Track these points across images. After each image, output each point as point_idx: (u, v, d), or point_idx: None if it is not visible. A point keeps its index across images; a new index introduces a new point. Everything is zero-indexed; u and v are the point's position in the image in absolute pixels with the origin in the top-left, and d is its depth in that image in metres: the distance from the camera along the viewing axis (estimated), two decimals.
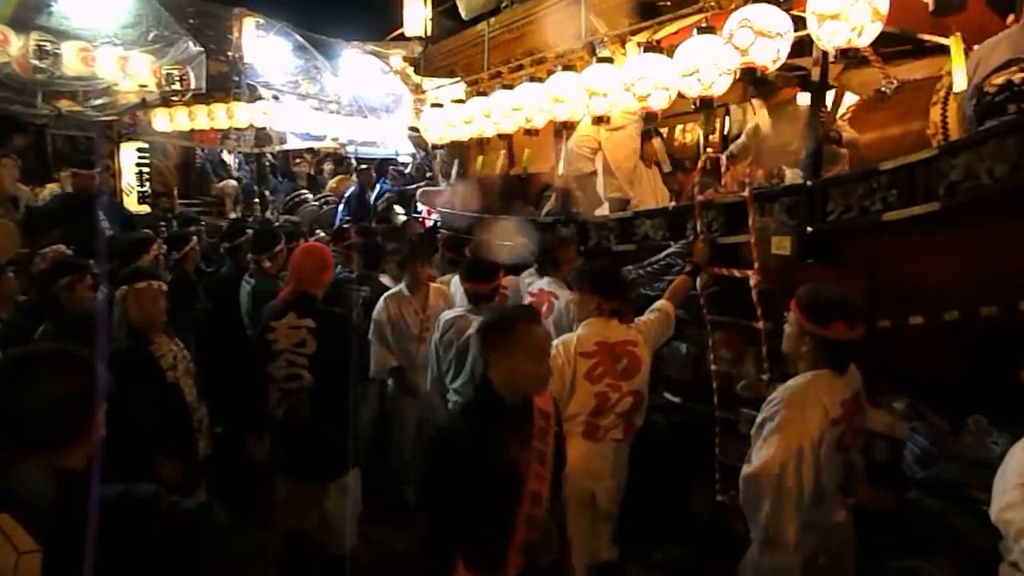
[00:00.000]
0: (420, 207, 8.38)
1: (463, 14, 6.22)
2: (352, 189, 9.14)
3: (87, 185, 6.06)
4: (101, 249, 5.06)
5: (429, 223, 8.11)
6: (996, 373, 2.76)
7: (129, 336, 3.22)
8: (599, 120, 4.13)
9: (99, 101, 6.78)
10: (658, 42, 3.82)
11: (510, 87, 4.92)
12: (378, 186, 9.19)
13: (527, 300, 4.17)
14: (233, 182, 9.81)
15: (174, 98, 7.85)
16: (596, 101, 4.03)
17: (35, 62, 5.66)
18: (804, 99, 3.83)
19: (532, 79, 4.71)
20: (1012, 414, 2.79)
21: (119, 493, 1.59)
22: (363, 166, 10.07)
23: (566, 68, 4.41)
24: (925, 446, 3.12)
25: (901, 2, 2.84)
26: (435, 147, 7.27)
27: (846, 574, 2.55)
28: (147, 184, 7.54)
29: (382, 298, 4.38)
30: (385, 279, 4.95)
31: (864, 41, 2.81)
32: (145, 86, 7.01)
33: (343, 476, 3.35)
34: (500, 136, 5.21)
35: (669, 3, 4.10)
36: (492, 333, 2.14)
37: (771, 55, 3.04)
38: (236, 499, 4.16)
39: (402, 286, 4.42)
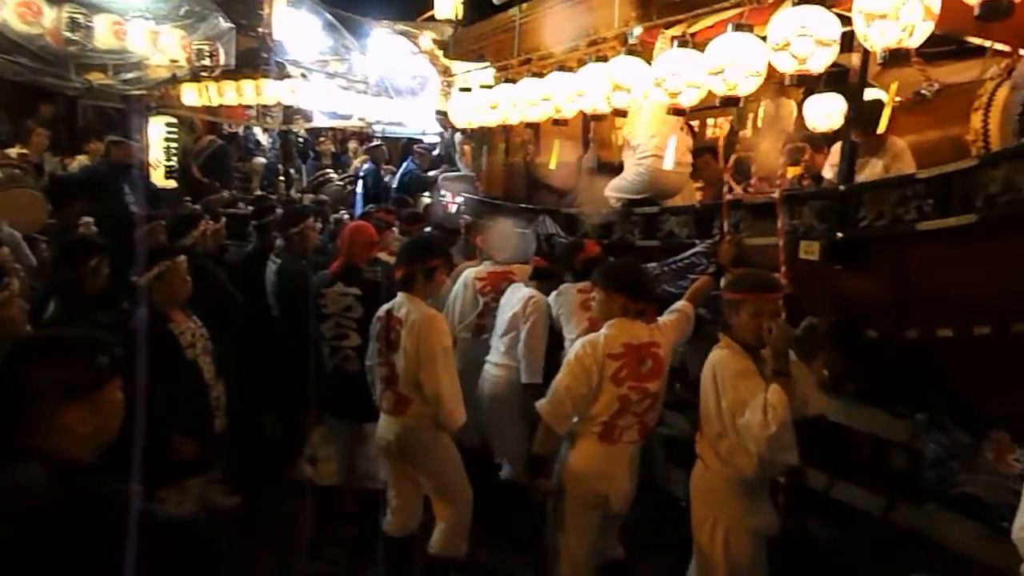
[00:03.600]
0: (444, 191, 8.36)
1: None
2: (366, 166, 9.13)
3: (124, 155, 6.10)
4: (126, 223, 5.12)
5: (452, 207, 8.09)
6: (1022, 390, 2.71)
7: (149, 313, 3.25)
8: (618, 113, 4.07)
9: (130, 75, 6.82)
10: (692, 36, 3.74)
11: (540, 75, 4.86)
12: (404, 164, 9.18)
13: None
14: (262, 160, 9.85)
15: (203, 73, 7.86)
16: (619, 95, 3.97)
17: (67, 34, 5.68)
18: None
19: (562, 68, 4.65)
20: None
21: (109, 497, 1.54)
22: (375, 143, 10.03)
23: (598, 59, 4.35)
24: (945, 459, 3.07)
25: (943, 2, 2.75)
26: (461, 132, 7.24)
27: None
28: (174, 159, 7.59)
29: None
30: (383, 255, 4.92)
31: (915, 41, 2.68)
32: (175, 61, 7.03)
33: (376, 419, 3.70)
34: (527, 124, 5.16)
35: None
36: None
37: (825, 61, 2.96)
38: (249, 477, 4.27)
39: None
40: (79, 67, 6.38)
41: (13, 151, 6.46)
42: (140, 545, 1.45)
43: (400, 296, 3.40)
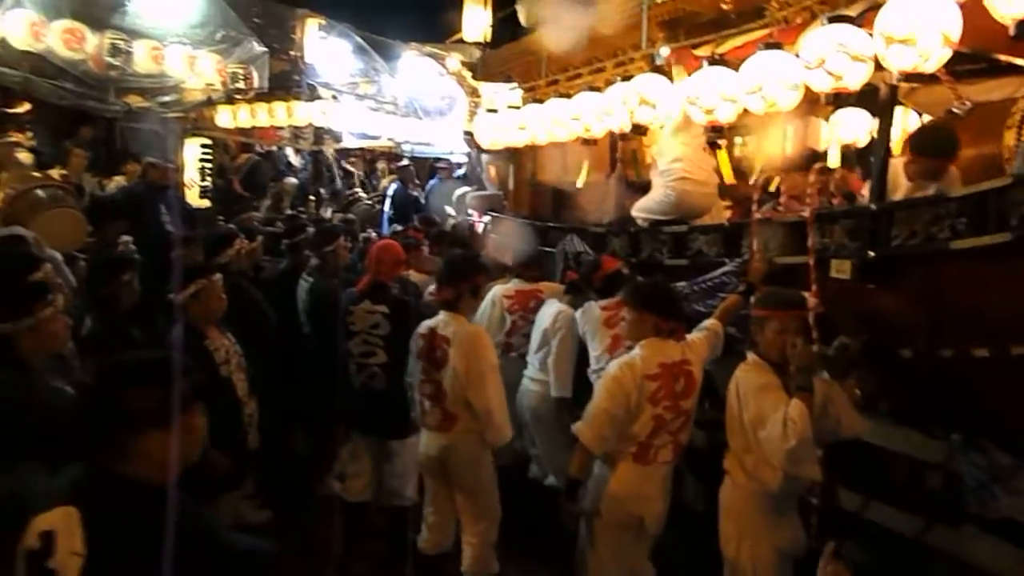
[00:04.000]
0: (470, 210, 8.43)
1: (523, 21, 6.24)
2: (394, 186, 9.24)
3: (161, 176, 6.26)
4: (162, 242, 5.24)
5: (479, 226, 8.15)
6: None
7: (185, 330, 3.32)
8: (637, 129, 4.10)
9: (167, 98, 7.01)
10: (722, 56, 3.77)
11: (567, 95, 4.91)
12: (431, 181, 9.28)
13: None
14: (293, 180, 10.03)
15: (237, 96, 8.05)
16: (643, 110, 4.01)
17: (109, 59, 5.87)
18: None
19: (590, 88, 4.70)
20: None
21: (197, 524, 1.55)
22: (403, 163, 10.16)
23: (624, 78, 4.39)
24: (987, 482, 3.01)
25: (976, 21, 2.75)
26: (487, 152, 7.32)
27: None
28: (208, 179, 7.76)
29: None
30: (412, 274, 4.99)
31: (931, 67, 2.74)
32: (211, 84, 7.21)
33: (408, 436, 3.80)
34: (554, 144, 5.21)
35: (734, 16, 4.03)
36: None
37: (861, 78, 2.97)
38: (279, 492, 4.32)
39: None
40: (119, 91, 6.58)
41: (55, 172, 6.66)
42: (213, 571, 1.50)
43: (443, 314, 3.45)
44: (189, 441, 1.59)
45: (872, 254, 3.10)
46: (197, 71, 6.84)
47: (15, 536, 1.48)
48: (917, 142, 3.62)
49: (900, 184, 3.57)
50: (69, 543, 1.41)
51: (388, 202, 8.98)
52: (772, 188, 4.71)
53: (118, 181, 7.48)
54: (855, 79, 2.94)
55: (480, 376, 3.29)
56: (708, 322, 3.37)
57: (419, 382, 3.50)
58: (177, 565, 1.42)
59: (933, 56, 2.69)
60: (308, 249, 4.89)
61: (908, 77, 2.79)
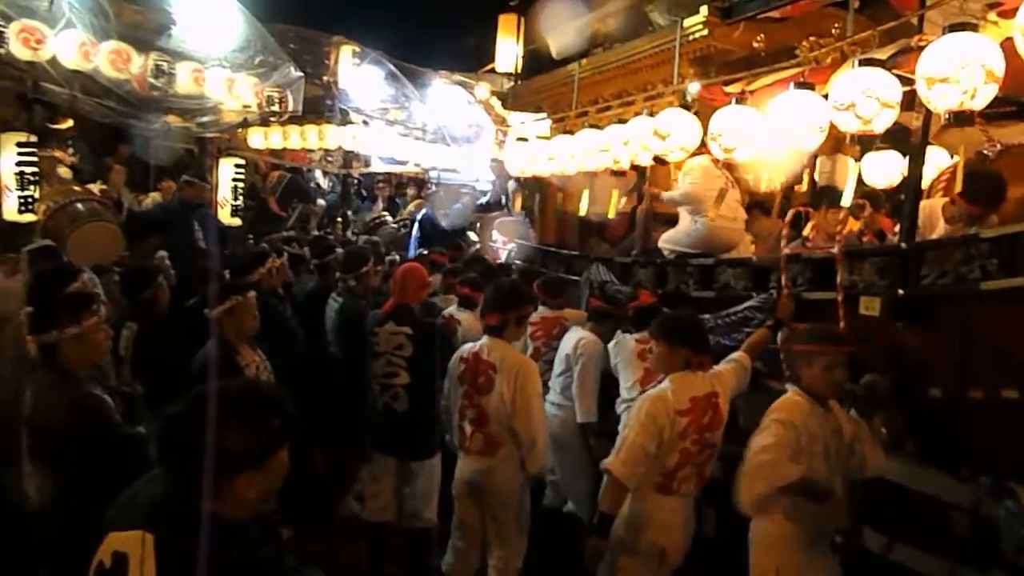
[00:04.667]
0: (495, 236, 8.52)
1: (554, 54, 6.36)
2: (424, 212, 9.34)
3: (196, 194, 6.40)
4: (195, 258, 5.35)
5: (504, 252, 8.22)
6: None
7: (218, 345, 3.39)
8: (658, 160, 4.16)
9: (205, 119, 7.15)
10: (751, 93, 3.83)
11: (597, 127, 4.99)
12: (455, 206, 9.37)
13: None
14: (322, 201, 10.18)
15: (272, 119, 8.21)
16: (656, 142, 4.08)
17: (152, 80, 6.01)
18: None
19: (620, 121, 4.78)
20: None
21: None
22: (432, 189, 10.29)
23: (650, 113, 4.47)
24: (1015, 527, 2.97)
25: (1007, 63, 2.78)
26: (515, 180, 7.42)
27: None
28: (241, 198, 7.90)
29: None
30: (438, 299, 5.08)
31: (979, 104, 2.73)
32: (248, 106, 7.35)
33: (429, 457, 3.89)
34: (583, 174, 5.28)
35: (765, 55, 4.10)
36: None
37: (887, 123, 3.00)
38: (300, 511, 4.33)
39: None
40: (160, 110, 6.75)
41: (95, 187, 6.84)
42: None
43: (488, 340, 3.49)
44: (274, 479, 1.54)
45: (902, 292, 3.11)
46: (235, 93, 6.97)
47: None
48: (969, 187, 3.59)
49: (936, 226, 3.57)
50: (140, 570, 1.39)
51: (416, 227, 9.04)
52: (799, 225, 4.74)
53: (154, 197, 7.65)
54: (881, 123, 2.98)
55: (527, 405, 3.33)
56: (736, 354, 3.37)
57: (460, 407, 3.52)
58: None
59: (979, 93, 2.69)
60: (339, 271, 4.96)
61: (957, 117, 2.77)
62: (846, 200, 4.77)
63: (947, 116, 2.76)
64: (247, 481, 1.48)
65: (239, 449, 1.46)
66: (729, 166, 5.02)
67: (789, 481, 2.64)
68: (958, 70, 2.67)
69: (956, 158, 4.28)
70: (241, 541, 1.48)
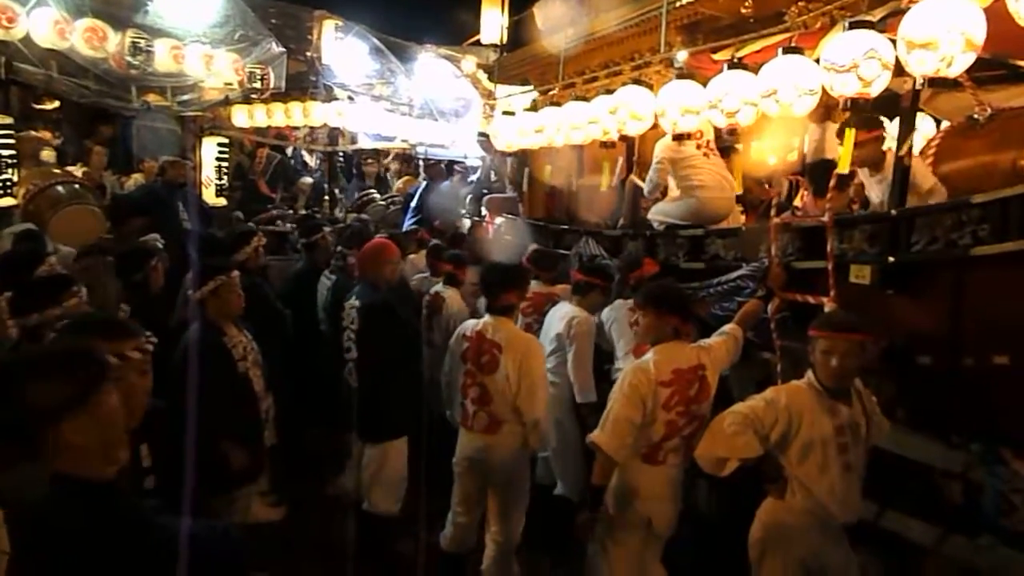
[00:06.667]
0: (483, 211, 8.43)
1: (539, 25, 6.25)
2: (424, 184, 9.20)
3: (179, 174, 6.33)
4: (181, 239, 5.29)
5: (492, 228, 8.14)
6: None
7: (204, 325, 3.35)
8: (680, 137, 4.09)
9: (185, 97, 7.07)
10: (740, 60, 3.76)
11: (584, 99, 4.91)
12: (444, 183, 9.25)
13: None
14: (309, 179, 10.07)
15: (254, 96, 8.09)
16: (671, 118, 4.01)
17: (129, 59, 5.91)
18: None
19: (608, 91, 4.70)
20: None
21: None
22: (432, 162, 10.15)
23: (636, 83, 4.40)
24: (1004, 492, 2.98)
25: (998, 26, 2.73)
26: (503, 154, 7.33)
27: None
28: (225, 178, 7.81)
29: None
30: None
31: (954, 71, 2.71)
32: (229, 84, 7.26)
33: (378, 441, 3.81)
34: (571, 147, 5.21)
35: (753, 21, 4.03)
36: None
37: (883, 85, 2.95)
38: (292, 489, 4.33)
39: None
40: (138, 89, 6.64)
41: (76, 169, 6.74)
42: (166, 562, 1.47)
43: (490, 318, 3.51)
44: (104, 425, 1.50)
45: (892, 259, 3.09)
46: (215, 70, 6.88)
47: None
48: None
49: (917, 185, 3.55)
50: None
51: (416, 199, 8.79)
52: (788, 195, 4.71)
53: (136, 179, 7.55)
54: (879, 85, 2.93)
55: (532, 385, 3.36)
56: (728, 327, 3.34)
57: (463, 385, 3.52)
58: (107, 560, 1.40)
59: (956, 61, 2.67)
60: (342, 247, 4.92)
61: (932, 82, 2.75)
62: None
63: (922, 81, 2.73)
64: (73, 429, 1.44)
65: (46, 399, 1.43)
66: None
67: (744, 455, 2.69)
68: (939, 36, 2.63)
69: (944, 124, 4.26)
70: (94, 497, 1.45)
